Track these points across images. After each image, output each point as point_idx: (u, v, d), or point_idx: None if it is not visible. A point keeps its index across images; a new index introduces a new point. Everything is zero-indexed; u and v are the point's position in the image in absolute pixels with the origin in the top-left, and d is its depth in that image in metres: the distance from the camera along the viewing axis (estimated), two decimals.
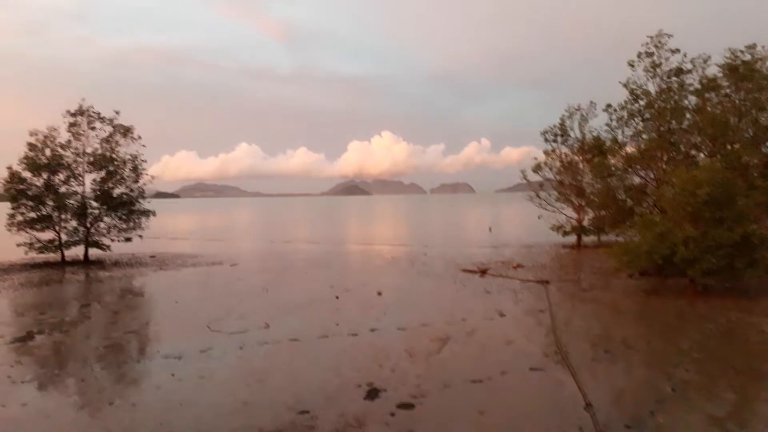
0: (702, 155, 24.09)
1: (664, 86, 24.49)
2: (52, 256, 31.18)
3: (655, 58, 24.39)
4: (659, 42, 24.29)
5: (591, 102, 33.38)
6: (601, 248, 28.68)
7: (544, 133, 34.97)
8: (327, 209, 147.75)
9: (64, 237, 30.69)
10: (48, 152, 30.28)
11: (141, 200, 33.24)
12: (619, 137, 27.08)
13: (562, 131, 34.24)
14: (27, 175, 29.82)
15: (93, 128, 31.67)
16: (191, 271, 26.51)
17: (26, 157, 29.78)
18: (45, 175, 30.11)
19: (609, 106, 27.32)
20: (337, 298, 18.69)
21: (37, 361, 12.12)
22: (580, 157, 33.53)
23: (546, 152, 35.12)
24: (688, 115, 24.04)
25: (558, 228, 33.91)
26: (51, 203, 30.22)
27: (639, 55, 24.66)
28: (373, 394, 9.42)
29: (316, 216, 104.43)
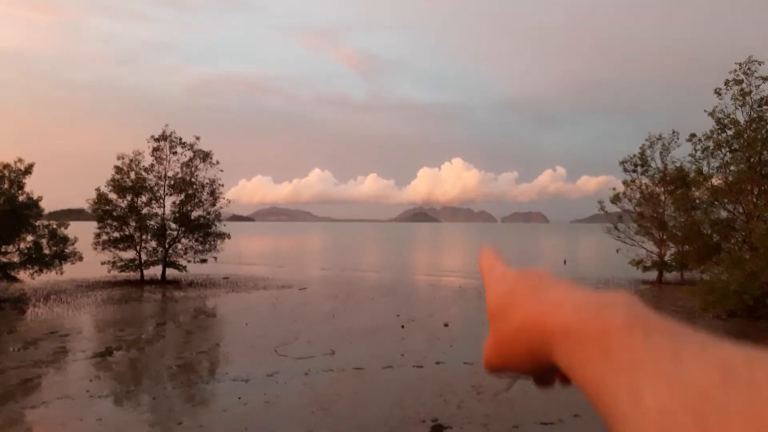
0: None
1: (754, 115, 23.13)
2: (133, 275, 32.65)
3: (744, 85, 23.12)
4: (749, 69, 23.04)
5: (673, 131, 31.95)
6: (684, 286, 27.10)
7: (623, 162, 33.67)
8: (395, 236, 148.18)
9: (144, 257, 32.14)
10: (133, 175, 32.00)
11: (217, 223, 34.42)
12: (705, 168, 25.71)
13: (643, 161, 32.84)
14: (113, 196, 31.59)
15: (174, 153, 33.29)
16: (261, 294, 27.03)
17: (113, 180, 31.58)
18: (129, 197, 31.79)
19: (693, 135, 26.03)
20: (402, 327, 18.48)
21: (115, 377, 12.58)
22: (662, 189, 32.01)
23: (625, 182, 33.75)
24: None
25: (638, 263, 32.30)
26: (133, 224, 31.84)
27: (727, 83, 23.45)
28: (437, 430, 9.14)
29: (384, 242, 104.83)
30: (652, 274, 32.63)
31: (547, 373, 0.43)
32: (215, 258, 34.31)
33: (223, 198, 34.58)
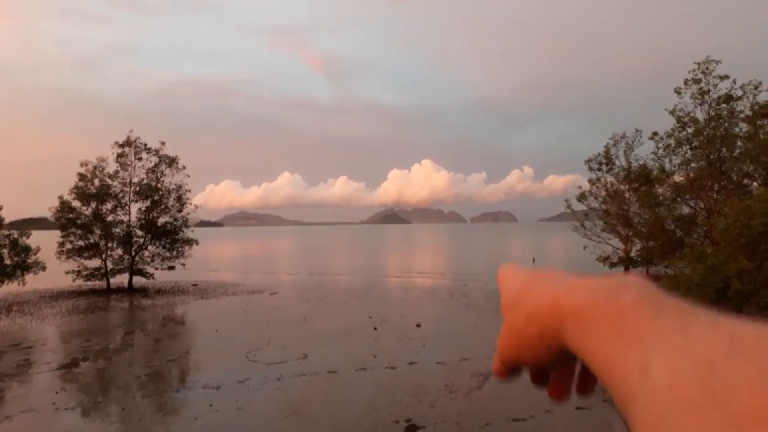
0: (755, 184, 23.18)
1: (713, 113, 23.82)
2: (98, 284, 31.95)
3: (702, 84, 23.79)
4: (707, 68, 23.71)
5: (636, 130, 32.66)
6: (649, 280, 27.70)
7: (588, 161, 34.29)
8: (366, 238, 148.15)
9: (109, 265, 31.48)
10: (97, 182, 31.36)
11: (184, 229, 33.94)
12: (667, 166, 26.35)
13: (607, 159, 33.49)
14: (77, 204, 30.89)
15: (140, 158, 32.73)
16: (231, 300, 26.73)
17: (76, 187, 30.89)
18: (93, 205, 31.13)
19: (655, 134, 26.68)
20: (375, 329, 18.48)
21: (81, 389, 12.28)
22: (627, 186, 32.68)
23: (591, 181, 34.37)
24: (739, 143, 23.25)
25: (604, 259, 32.92)
26: (98, 232, 31.17)
27: (686, 82, 24.10)
28: (411, 430, 9.16)
29: (355, 245, 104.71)
30: (619, 270, 33.23)
31: (550, 367, 0.44)
32: (183, 265, 33.80)
33: (190, 203, 34.15)
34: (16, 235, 26.36)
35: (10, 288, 27.20)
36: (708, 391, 0.27)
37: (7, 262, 25.62)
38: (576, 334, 0.36)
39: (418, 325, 18.95)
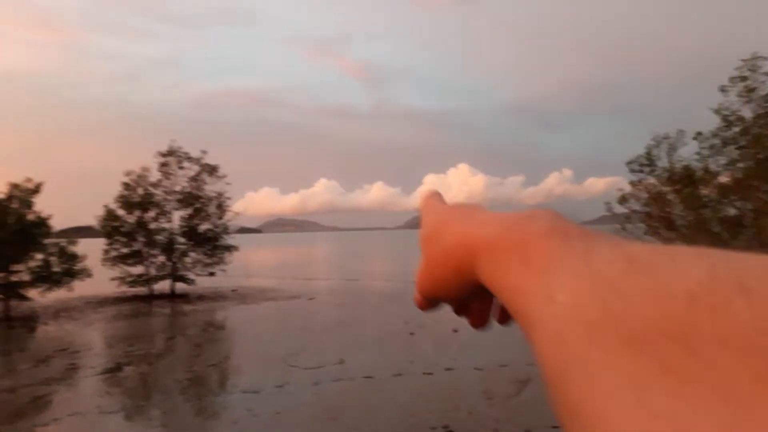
0: None
1: (760, 111, 23.02)
2: (142, 290, 32.74)
3: (749, 82, 23.03)
4: (754, 65, 22.95)
5: (679, 130, 31.76)
6: None
7: (629, 163, 33.46)
8: (401, 243, 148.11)
9: (152, 271, 32.29)
10: (140, 191, 32.22)
11: (225, 236, 34.56)
12: (712, 166, 25.58)
13: (649, 161, 32.63)
14: (121, 212, 31.82)
15: (182, 167, 33.48)
16: (270, 305, 27.05)
17: (121, 196, 31.82)
18: (137, 213, 32.00)
19: (699, 133, 25.93)
20: (411, 334, 18.43)
21: (125, 392, 12.60)
22: (669, 188, 31.82)
23: (632, 183, 33.56)
24: None
25: None
26: (142, 239, 32.02)
27: (732, 80, 23.36)
28: None
29: (391, 250, 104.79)
30: None
31: (470, 299, 0.45)
32: (224, 270, 34.41)
33: (231, 211, 34.75)
34: (64, 243, 27.26)
35: (58, 294, 28.14)
36: (605, 307, 0.27)
37: (56, 269, 26.49)
38: (487, 267, 0.37)
39: (455, 331, 18.80)
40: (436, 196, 0.58)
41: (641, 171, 33.16)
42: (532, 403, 10.84)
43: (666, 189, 32.11)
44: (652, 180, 32.84)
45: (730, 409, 0.22)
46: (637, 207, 33.76)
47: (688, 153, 31.74)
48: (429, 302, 0.51)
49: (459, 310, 0.48)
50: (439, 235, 0.46)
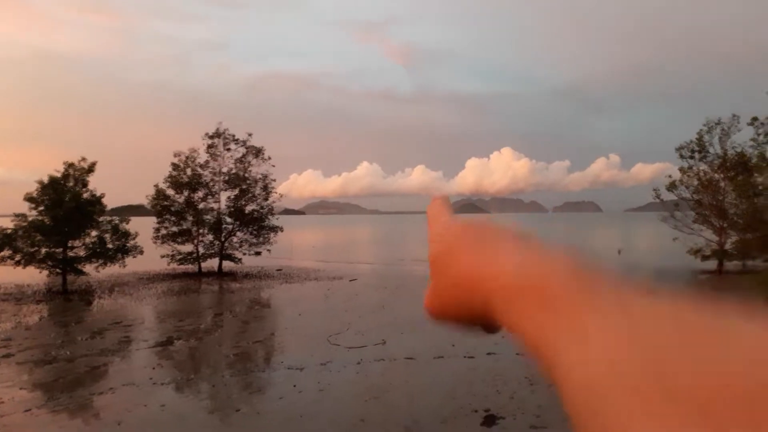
0: None
1: None
2: (191, 268, 33.75)
3: None
4: None
5: (733, 115, 30.53)
6: (746, 275, 26.01)
7: (679, 149, 32.42)
8: None
9: (201, 250, 33.19)
10: (189, 171, 33.02)
11: (270, 216, 35.15)
12: None
13: (701, 147, 31.53)
14: (171, 192, 32.73)
15: (228, 149, 34.13)
16: (313, 285, 27.49)
17: (170, 176, 32.70)
18: (186, 193, 32.85)
19: (755, 119, 24.95)
20: None
21: (175, 365, 13.10)
22: (722, 175, 30.72)
23: (682, 169, 32.53)
24: None
25: (696, 251, 31.11)
26: (191, 218, 32.90)
27: None
28: (490, 420, 9.14)
29: None
30: (712, 264, 31.42)
31: (490, 324, 0.41)
32: (269, 250, 35.10)
33: (276, 192, 35.30)
34: (117, 221, 28.27)
35: (112, 270, 29.26)
36: (651, 367, 0.26)
37: (109, 245, 27.51)
38: (503, 306, 0.35)
39: None
40: (443, 204, 0.56)
41: (692, 157, 32.10)
42: None
43: (718, 176, 31.02)
44: (703, 167, 31.78)
45: None
46: (686, 194, 32.76)
47: (743, 139, 30.57)
48: (437, 319, 0.48)
49: (487, 330, 0.46)
50: (448, 261, 0.44)
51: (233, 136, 34.14)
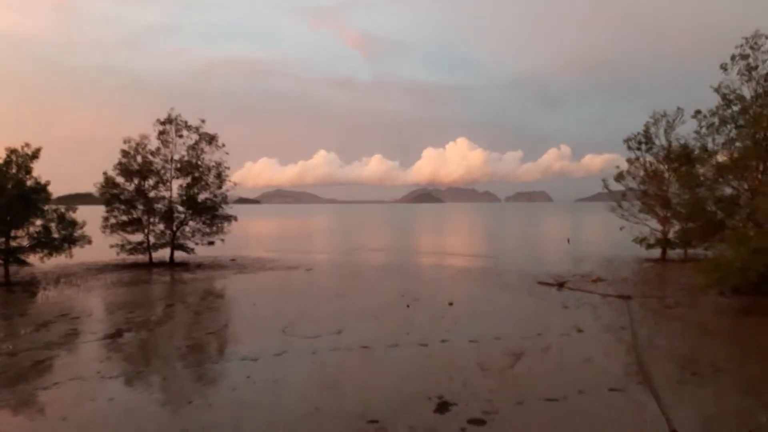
0: None
1: (760, 90, 22.91)
2: (141, 258, 32.96)
3: (750, 60, 22.88)
4: (755, 43, 22.76)
5: (678, 108, 31.63)
6: (688, 263, 27.12)
7: (627, 140, 33.44)
8: (399, 217, 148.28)
9: (152, 239, 32.43)
10: (139, 159, 32.11)
11: (224, 205, 34.57)
12: (709, 145, 25.57)
13: (647, 138, 32.58)
14: (120, 180, 31.80)
15: (180, 136, 33.30)
16: (269, 275, 27.26)
17: (120, 163, 31.74)
18: (136, 181, 31.98)
19: (698, 112, 25.87)
20: (407, 306, 18.64)
21: (125, 358, 12.80)
22: (666, 166, 31.84)
23: (629, 160, 33.58)
24: None
25: (641, 240, 32.28)
26: (141, 207, 32.08)
27: (733, 58, 23.19)
28: (443, 407, 9.29)
29: (389, 224, 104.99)
30: (656, 252, 32.64)
31: None
32: (222, 240, 34.59)
33: (230, 181, 34.67)
34: (63, 210, 27.25)
35: (58, 260, 28.29)
36: None
37: (55, 235, 26.52)
38: None
39: (451, 304, 19.02)
40: None
41: (639, 148, 33.15)
42: (526, 376, 11.06)
43: (663, 167, 32.15)
44: (649, 158, 32.87)
45: None
46: (633, 185, 33.83)
47: (687, 132, 31.69)
48: None
49: None
50: None
51: (185, 122, 33.34)
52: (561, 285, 22.74)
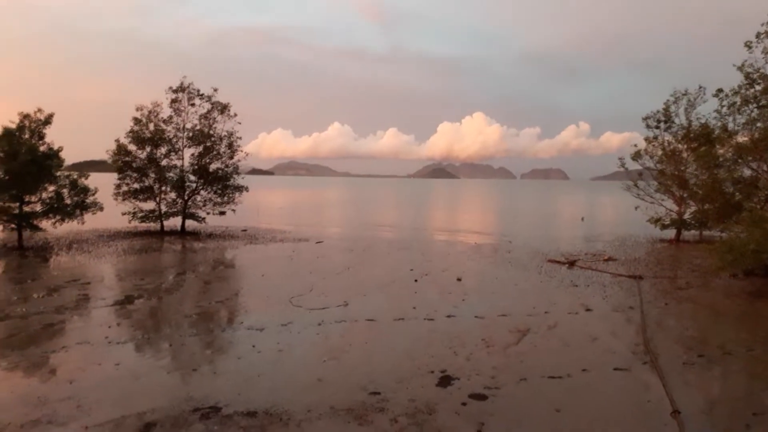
0: None
1: None
2: (153, 226, 33.21)
3: None
4: None
5: (699, 86, 30.88)
6: (702, 244, 26.80)
7: (646, 118, 32.79)
8: (412, 192, 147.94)
9: (163, 208, 32.61)
10: (151, 127, 32.10)
11: (235, 176, 34.59)
12: (730, 125, 24.98)
13: (666, 117, 31.91)
14: (132, 148, 31.85)
15: (192, 105, 33.20)
16: (279, 246, 27.35)
17: (132, 131, 31.75)
18: (148, 149, 32.02)
19: (720, 90, 25.19)
20: (416, 281, 18.63)
21: (134, 324, 12.92)
22: (685, 146, 31.24)
23: (647, 139, 32.97)
24: None
25: (656, 220, 31.91)
26: (153, 175, 32.19)
27: (758, 36, 22.48)
28: (445, 381, 9.30)
29: (401, 198, 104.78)
30: (670, 232, 32.28)
31: None
32: (234, 210, 34.69)
33: (242, 151, 34.63)
34: (75, 176, 27.40)
35: (71, 226, 28.57)
36: None
37: (67, 201, 26.72)
38: None
39: (459, 280, 18.98)
40: None
41: (657, 127, 32.50)
42: (531, 353, 11.02)
43: (681, 147, 31.54)
44: (668, 137, 32.24)
45: None
46: (650, 164, 33.28)
47: (707, 111, 30.95)
48: None
49: None
50: None
51: (198, 90, 33.22)
52: (572, 263, 22.59)
